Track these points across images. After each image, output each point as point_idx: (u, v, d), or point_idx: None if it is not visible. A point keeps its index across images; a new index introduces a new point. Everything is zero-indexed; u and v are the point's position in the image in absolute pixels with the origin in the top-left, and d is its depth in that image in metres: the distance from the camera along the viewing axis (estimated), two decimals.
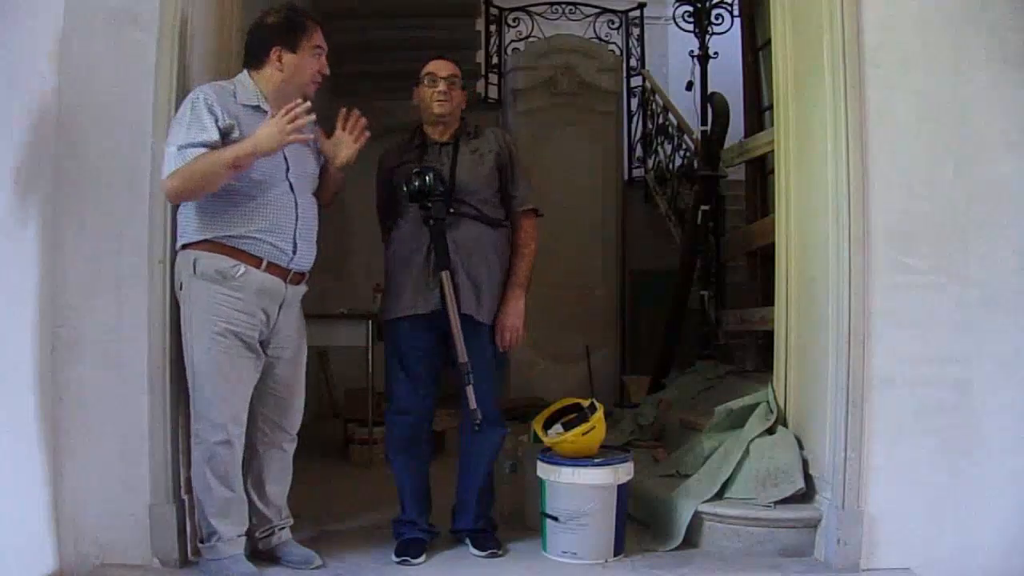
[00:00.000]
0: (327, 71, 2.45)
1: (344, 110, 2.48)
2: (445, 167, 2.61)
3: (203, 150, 2.20)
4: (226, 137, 2.25)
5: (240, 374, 2.33)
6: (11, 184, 2.24)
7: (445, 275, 2.51)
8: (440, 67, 2.66)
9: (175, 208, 2.40)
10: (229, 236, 2.29)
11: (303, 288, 2.49)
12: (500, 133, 2.78)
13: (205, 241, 2.30)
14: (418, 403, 2.65)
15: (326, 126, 2.56)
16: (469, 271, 2.57)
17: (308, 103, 2.24)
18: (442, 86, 2.63)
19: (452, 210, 2.56)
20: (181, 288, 2.33)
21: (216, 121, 2.24)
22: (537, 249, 2.74)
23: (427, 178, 2.53)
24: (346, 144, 2.48)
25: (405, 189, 2.55)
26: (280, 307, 2.39)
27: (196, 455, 2.34)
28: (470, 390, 2.50)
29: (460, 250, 2.56)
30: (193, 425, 2.35)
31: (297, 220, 2.37)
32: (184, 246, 2.34)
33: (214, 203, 2.29)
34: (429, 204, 2.53)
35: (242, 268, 2.29)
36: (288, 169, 2.38)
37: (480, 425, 2.52)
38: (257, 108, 2.36)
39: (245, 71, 2.42)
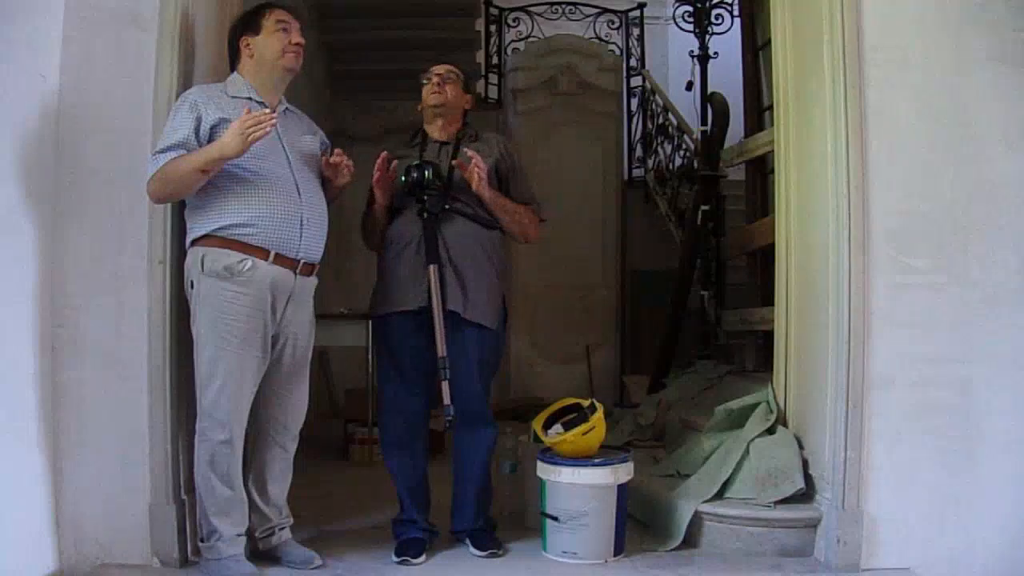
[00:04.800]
0: (299, 39, 2.47)
1: (338, 151, 2.52)
2: (443, 165, 2.62)
3: (176, 153, 2.25)
4: (214, 131, 2.29)
5: (246, 373, 2.33)
6: (11, 184, 2.24)
7: (433, 269, 2.51)
8: (437, 67, 2.73)
9: (178, 207, 2.41)
10: (234, 227, 2.29)
11: (313, 281, 2.49)
12: (502, 141, 2.80)
13: (211, 236, 2.30)
14: (410, 402, 2.65)
15: (326, 125, 2.58)
16: (457, 267, 2.57)
17: (274, 114, 2.25)
18: (436, 79, 2.68)
19: (447, 206, 2.57)
20: (192, 287, 2.33)
21: (197, 120, 2.28)
22: (528, 234, 2.77)
23: (426, 171, 2.55)
24: (343, 174, 2.51)
25: (403, 180, 2.56)
26: (288, 300, 2.39)
27: (199, 453, 2.34)
28: (445, 386, 2.48)
29: (451, 246, 2.57)
30: (198, 423, 2.35)
31: (302, 206, 2.37)
32: (192, 242, 2.34)
33: (218, 196, 2.30)
34: (425, 197, 2.55)
35: (249, 262, 2.30)
36: (289, 160, 2.40)
37: (452, 422, 2.51)
38: (249, 100, 2.39)
39: (234, 73, 2.47)
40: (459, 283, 2.56)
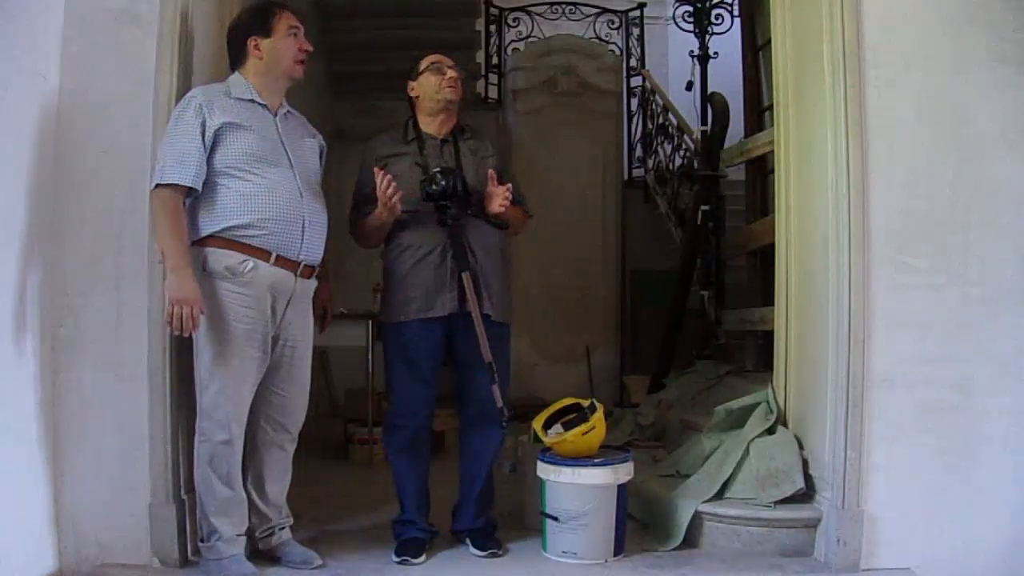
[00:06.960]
0: (309, 47, 2.47)
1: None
2: (448, 163, 2.60)
3: (183, 173, 2.24)
4: (219, 135, 2.28)
5: (246, 374, 2.34)
6: (11, 183, 2.24)
7: (466, 276, 2.51)
8: (444, 58, 2.67)
9: None
10: (237, 228, 2.29)
11: (313, 283, 2.49)
12: (490, 138, 2.79)
13: (213, 236, 2.30)
14: (424, 405, 2.65)
15: (326, 125, 2.57)
16: (484, 271, 2.58)
17: (194, 326, 2.23)
18: (452, 74, 2.63)
19: (469, 211, 2.56)
20: None
21: (202, 125, 2.27)
22: (519, 230, 2.80)
23: (452, 180, 2.51)
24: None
25: (432, 188, 2.51)
26: (288, 302, 2.40)
27: (199, 453, 2.34)
28: (496, 388, 2.49)
29: (475, 251, 2.57)
30: (198, 423, 2.35)
31: (304, 208, 2.37)
32: (194, 243, 2.33)
33: (221, 197, 2.30)
34: (447, 205, 2.52)
35: (251, 263, 2.30)
36: (291, 162, 2.40)
37: (508, 423, 2.53)
38: (252, 101, 2.39)
39: (236, 72, 2.45)
40: (486, 286, 2.57)
